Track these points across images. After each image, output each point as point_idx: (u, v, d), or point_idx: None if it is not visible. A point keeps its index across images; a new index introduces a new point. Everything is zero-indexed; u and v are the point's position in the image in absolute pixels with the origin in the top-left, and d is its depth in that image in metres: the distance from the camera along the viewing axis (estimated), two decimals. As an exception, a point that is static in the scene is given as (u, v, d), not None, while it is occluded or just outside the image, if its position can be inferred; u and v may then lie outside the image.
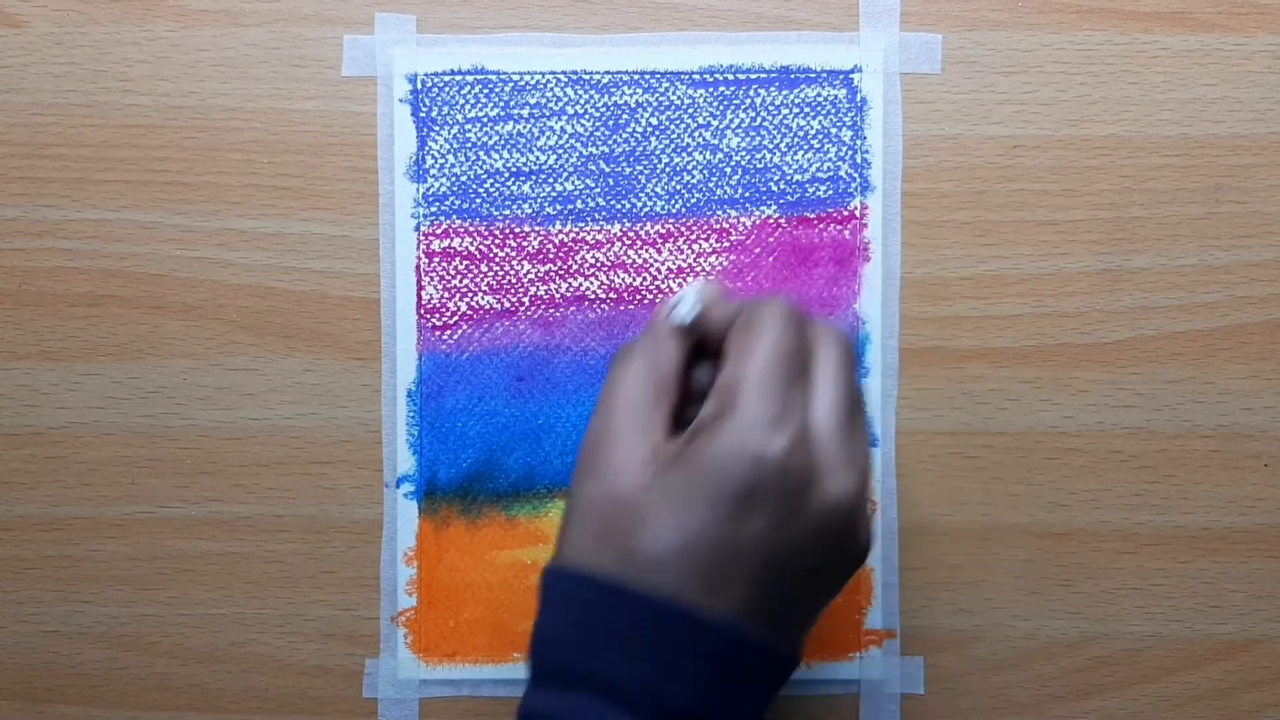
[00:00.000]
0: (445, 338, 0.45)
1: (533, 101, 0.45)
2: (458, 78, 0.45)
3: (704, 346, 0.38)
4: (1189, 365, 0.45)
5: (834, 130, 0.45)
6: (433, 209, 0.45)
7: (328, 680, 0.45)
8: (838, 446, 0.35)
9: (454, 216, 0.45)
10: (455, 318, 0.45)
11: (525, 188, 0.45)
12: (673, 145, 0.45)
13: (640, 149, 0.45)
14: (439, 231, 0.45)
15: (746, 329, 0.36)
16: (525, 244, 0.45)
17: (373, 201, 0.45)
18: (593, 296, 0.45)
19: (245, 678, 0.45)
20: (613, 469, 0.35)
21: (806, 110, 0.45)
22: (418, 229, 0.45)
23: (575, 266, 0.45)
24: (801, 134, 0.45)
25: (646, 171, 0.45)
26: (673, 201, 0.45)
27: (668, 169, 0.45)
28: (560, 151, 0.45)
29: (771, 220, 0.45)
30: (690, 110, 0.45)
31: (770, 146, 0.45)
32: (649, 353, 0.37)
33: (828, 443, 0.35)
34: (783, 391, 0.34)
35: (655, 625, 0.33)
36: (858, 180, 0.45)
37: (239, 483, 0.45)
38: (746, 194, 0.45)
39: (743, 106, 0.45)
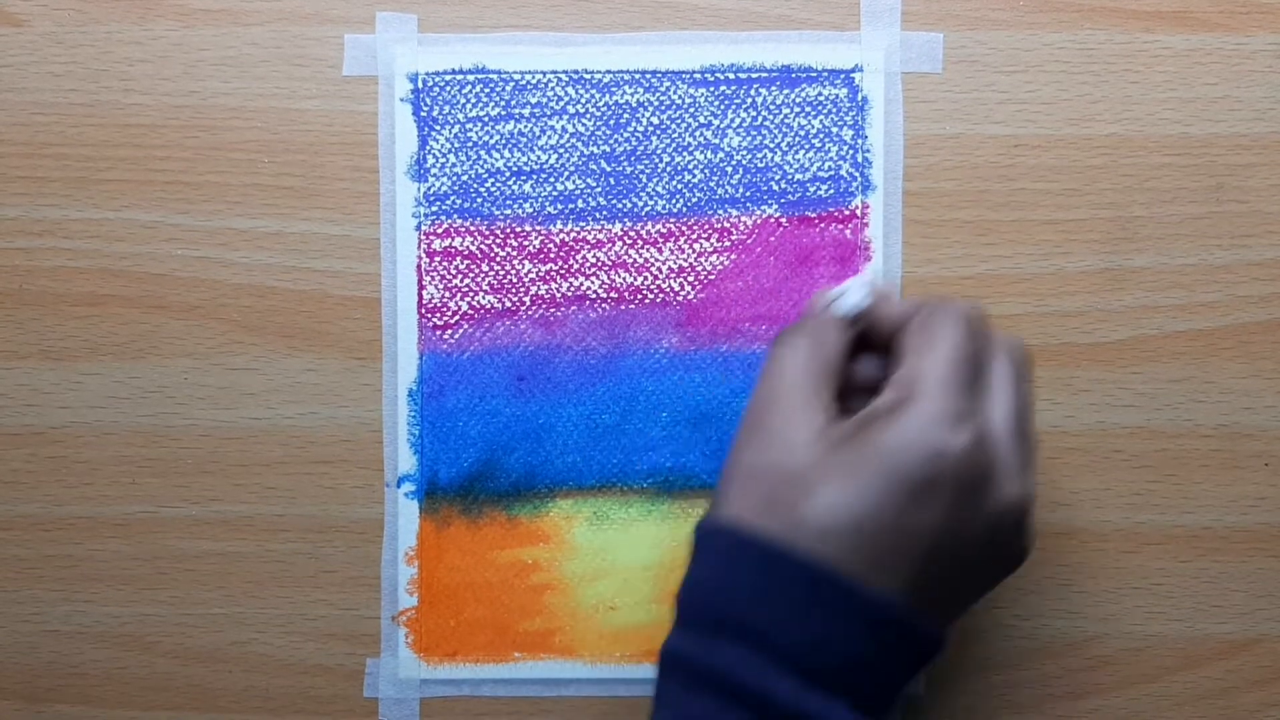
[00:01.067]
0: (446, 337, 0.45)
1: (534, 101, 0.45)
2: (459, 77, 0.45)
3: (864, 341, 0.39)
4: (1190, 364, 0.45)
5: (835, 129, 0.45)
6: (434, 208, 0.45)
7: (328, 680, 0.45)
8: (1014, 450, 0.36)
9: (455, 216, 0.45)
10: (456, 317, 0.45)
11: (526, 187, 0.45)
12: (674, 144, 0.45)
13: (641, 148, 0.45)
14: (440, 231, 0.45)
15: (926, 328, 0.37)
16: (526, 243, 0.45)
17: (374, 201, 0.45)
18: (594, 296, 0.45)
19: (245, 678, 0.45)
20: (780, 440, 0.36)
21: (807, 109, 0.45)
22: (419, 228, 0.45)
23: (576, 266, 0.45)
24: (802, 133, 0.45)
25: (647, 171, 0.45)
26: (674, 201, 0.45)
27: (669, 168, 0.45)
28: (561, 151, 0.45)
29: (773, 219, 0.45)
30: (691, 109, 0.45)
31: (771, 146, 0.45)
32: (813, 336, 0.38)
33: (1005, 446, 0.36)
34: (964, 391, 0.35)
35: (815, 589, 0.34)
36: (859, 179, 0.45)
37: (240, 482, 0.45)
38: (748, 193, 0.45)
39: (744, 106, 0.45)
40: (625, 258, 0.45)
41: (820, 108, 0.45)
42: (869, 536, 0.34)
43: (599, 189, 0.45)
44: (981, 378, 0.36)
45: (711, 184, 0.45)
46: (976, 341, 0.37)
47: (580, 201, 0.45)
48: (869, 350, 0.39)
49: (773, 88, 0.45)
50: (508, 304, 0.45)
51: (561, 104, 0.45)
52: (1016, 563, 0.37)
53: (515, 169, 0.45)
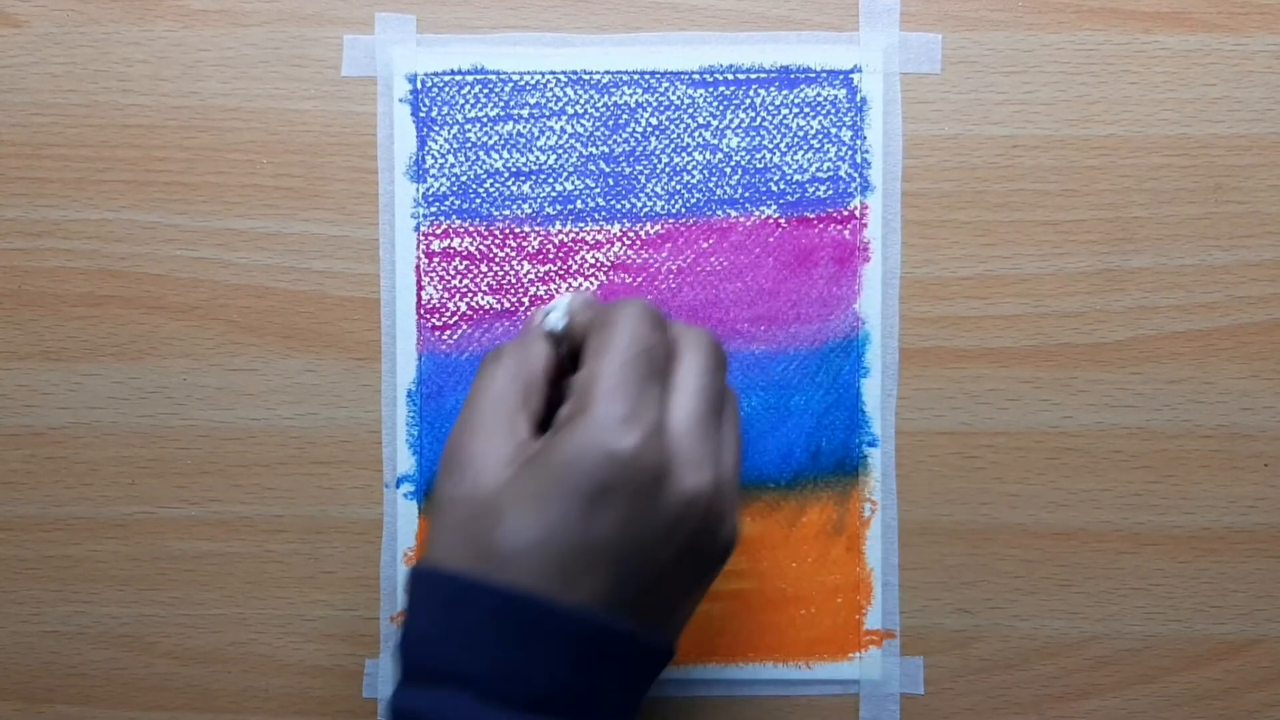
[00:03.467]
0: (445, 338, 0.45)
1: (533, 101, 0.45)
2: (458, 78, 0.45)
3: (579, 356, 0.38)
4: (1189, 365, 0.45)
5: (834, 130, 0.45)
6: (433, 209, 0.45)
7: (328, 680, 0.45)
8: (693, 443, 0.35)
9: (454, 216, 0.45)
10: (455, 318, 0.45)
11: (525, 188, 0.45)
12: (672, 145, 0.45)
13: (640, 149, 0.45)
14: (439, 231, 0.45)
15: (601, 329, 0.36)
16: (525, 244, 0.45)
17: (373, 201, 0.45)
18: (593, 296, 0.45)
19: (245, 678, 0.45)
20: (474, 468, 0.35)
21: (806, 110, 0.45)
22: (418, 229, 0.45)
23: (575, 266, 0.45)
24: (801, 134, 0.45)
25: (646, 171, 0.45)
26: (673, 201, 0.45)
27: (667, 169, 0.45)
28: (560, 151, 0.45)
29: (771, 220, 0.45)
30: (690, 110, 0.45)
31: (770, 146, 0.45)
32: (517, 354, 0.38)
33: (682, 440, 0.35)
34: (636, 389, 0.35)
35: (513, 617, 0.34)
36: (857, 180, 0.45)
37: (239, 483, 0.45)
38: (746, 194, 0.45)
39: (743, 106, 0.45)
40: (624, 258, 0.45)
41: (819, 108, 0.45)
42: (557, 552, 0.34)
43: (598, 190, 0.45)
44: (662, 373, 0.36)
45: (710, 184, 0.45)
46: (652, 336, 0.36)
47: (579, 202, 0.45)
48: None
49: (771, 88, 0.45)
50: (507, 304, 0.45)
51: (560, 104, 0.45)
52: (721, 557, 0.37)
53: (514, 170, 0.45)
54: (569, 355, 0.38)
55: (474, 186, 0.45)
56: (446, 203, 0.45)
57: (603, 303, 0.38)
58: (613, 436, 0.34)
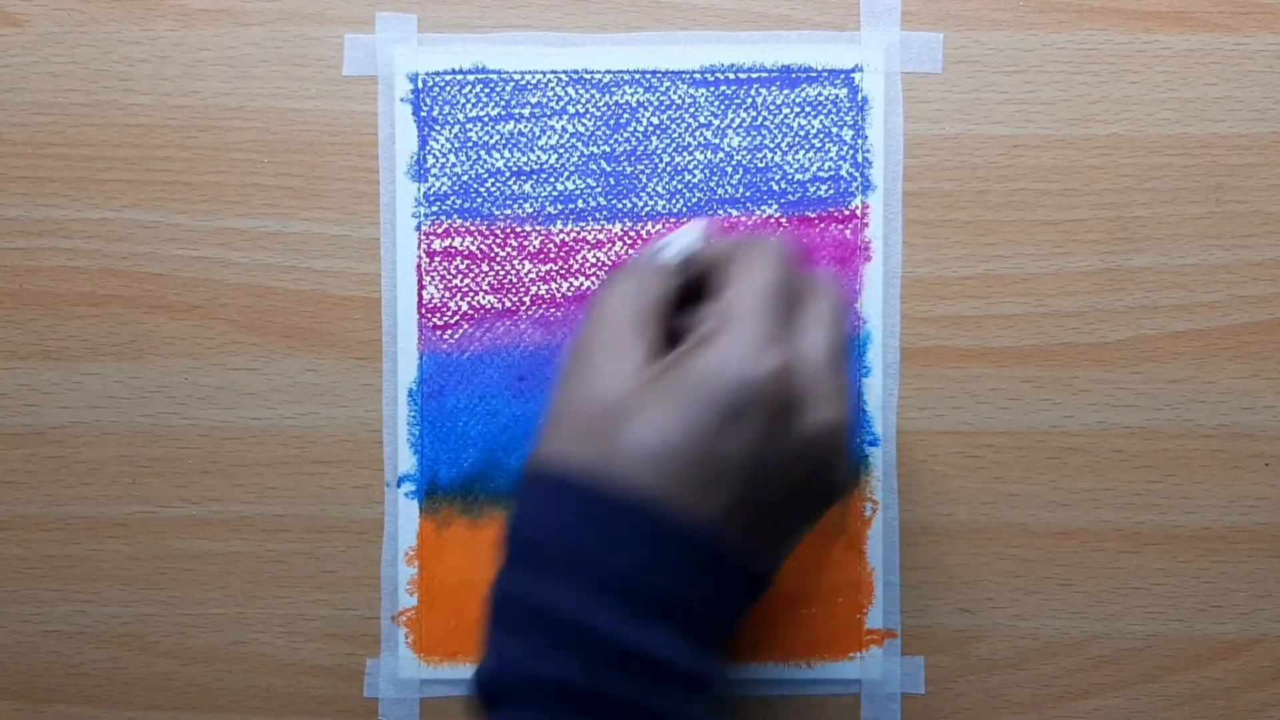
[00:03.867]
0: (446, 337, 0.45)
1: (534, 101, 0.45)
2: (459, 77, 0.45)
3: (696, 291, 0.38)
4: (1190, 365, 0.45)
5: (835, 130, 0.45)
6: (434, 208, 0.45)
7: (328, 680, 0.45)
8: (825, 379, 0.36)
9: (455, 216, 0.45)
10: (456, 317, 0.45)
11: (526, 187, 0.45)
12: (674, 145, 0.45)
13: (641, 148, 0.45)
14: (440, 231, 0.45)
15: (743, 260, 0.37)
16: (526, 243, 0.45)
17: (373, 201, 0.45)
18: (594, 296, 0.45)
19: (245, 678, 0.45)
20: (599, 375, 0.36)
21: (807, 110, 0.45)
22: (419, 228, 0.45)
23: (576, 266, 0.45)
24: (802, 133, 0.45)
25: (647, 171, 0.45)
26: (674, 201, 0.45)
27: (669, 168, 0.45)
28: (561, 151, 0.45)
29: (773, 220, 0.45)
30: (691, 110, 0.45)
31: (771, 146, 0.45)
32: (638, 278, 0.38)
33: (815, 374, 0.36)
34: (778, 317, 0.36)
35: (633, 519, 0.34)
36: (859, 180, 0.45)
37: (239, 483, 0.45)
38: (747, 193, 0.45)
39: (744, 106, 0.45)
40: (625, 258, 0.45)
41: (820, 108, 0.45)
42: (683, 463, 0.34)
43: (599, 189, 0.45)
44: (795, 310, 0.36)
45: (711, 184, 0.45)
46: (791, 275, 0.37)
47: (580, 201, 0.45)
48: (699, 300, 0.39)
49: (773, 88, 0.45)
50: (508, 304, 0.45)
51: (561, 104, 0.45)
52: (835, 495, 0.37)
53: (515, 169, 0.45)
54: (684, 290, 0.38)
55: (475, 186, 0.45)
56: (448, 202, 0.45)
57: (744, 238, 0.38)
58: (755, 356, 0.34)
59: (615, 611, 0.34)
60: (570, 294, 0.45)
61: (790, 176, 0.45)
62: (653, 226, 0.45)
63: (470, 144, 0.45)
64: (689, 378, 0.35)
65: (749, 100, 0.45)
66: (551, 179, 0.45)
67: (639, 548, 0.34)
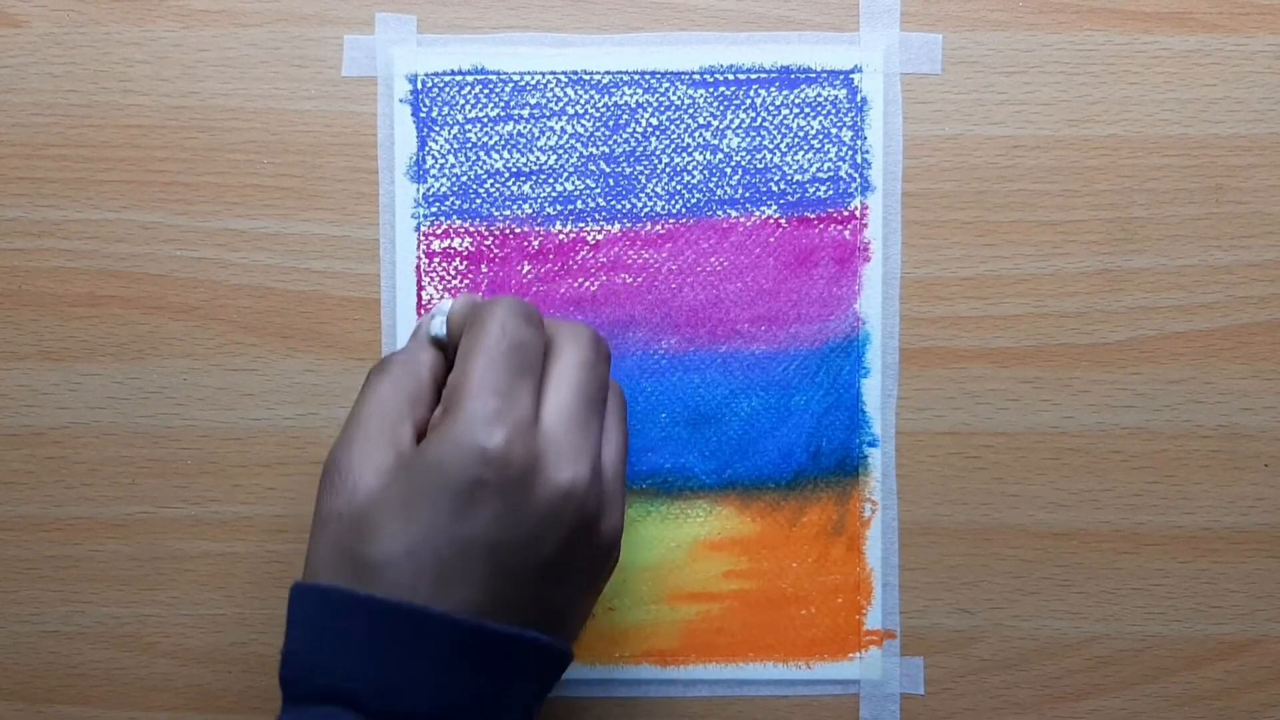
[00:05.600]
0: (445, 338, 0.45)
1: (533, 102, 0.45)
2: (458, 78, 0.45)
3: None
4: (1189, 365, 0.45)
5: (834, 130, 0.45)
6: (433, 209, 0.45)
7: (328, 680, 0.45)
8: (567, 437, 0.35)
9: (454, 217, 0.45)
10: (455, 318, 0.45)
11: (525, 188, 0.45)
12: (673, 145, 0.45)
13: (640, 149, 0.45)
14: (439, 232, 0.45)
15: (472, 326, 0.36)
16: (525, 244, 0.45)
17: (373, 202, 0.45)
18: (593, 297, 0.45)
19: (245, 678, 0.45)
20: (350, 480, 0.35)
21: (807, 110, 0.45)
22: (418, 229, 0.45)
23: (575, 267, 0.45)
24: (802, 134, 0.45)
25: (647, 172, 0.45)
26: (673, 202, 0.45)
27: (668, 169, 0.45)
28: (560, 152, 0.45)
29: (772, 220, 0.45)
30: (690, 110, 0.45)
31: (770, 146, 0.45)
32: (403, 363, 0.37)
33: (555, 434, 0.35)
34: (506, 385, 0.34)
35: (387, 627, 0.33)
36: (858, 180, 0.45)
37: (239, 483, 0.45)
38: (747, 194, 0.45)
39: (743, 106, 0.45)
40: (624, 258, 0.45)
41: (819, 108, 0.45)
42: (430, 557, 0.33)
43: (598, 190, 0.45)
44: (532, 369, 0.35)
45: (711, 185, 0.45)
46: (522, 333, 0.36)
47: (579, 202, 0.45)
48: None
49: (772, 88, 0.45)
50: (507, 305, 0.45)
51: (561, 105, 0.45)
52: (604, 551, 0.36)
53: (514, 170, 0.45)
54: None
55: (474, 187, 0.45)
56: (447, 203, 0.45)
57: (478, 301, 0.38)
58: (481, 433, 0.34)
59: None
60: (570, 295, 0.45)
61: (789, 177, 0.45)
62: (652, 226, 0.45)
63: (469, 145, 0.45)
64: (421, 468, 0.34)
65: (748, 101, 0.45)
66: (551, 180, 0.45)
67: (400, 656, 0.33)
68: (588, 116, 0.45)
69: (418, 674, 0.33)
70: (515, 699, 0.34)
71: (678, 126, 0.45)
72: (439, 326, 0.38)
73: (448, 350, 0.38)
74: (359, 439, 0.36)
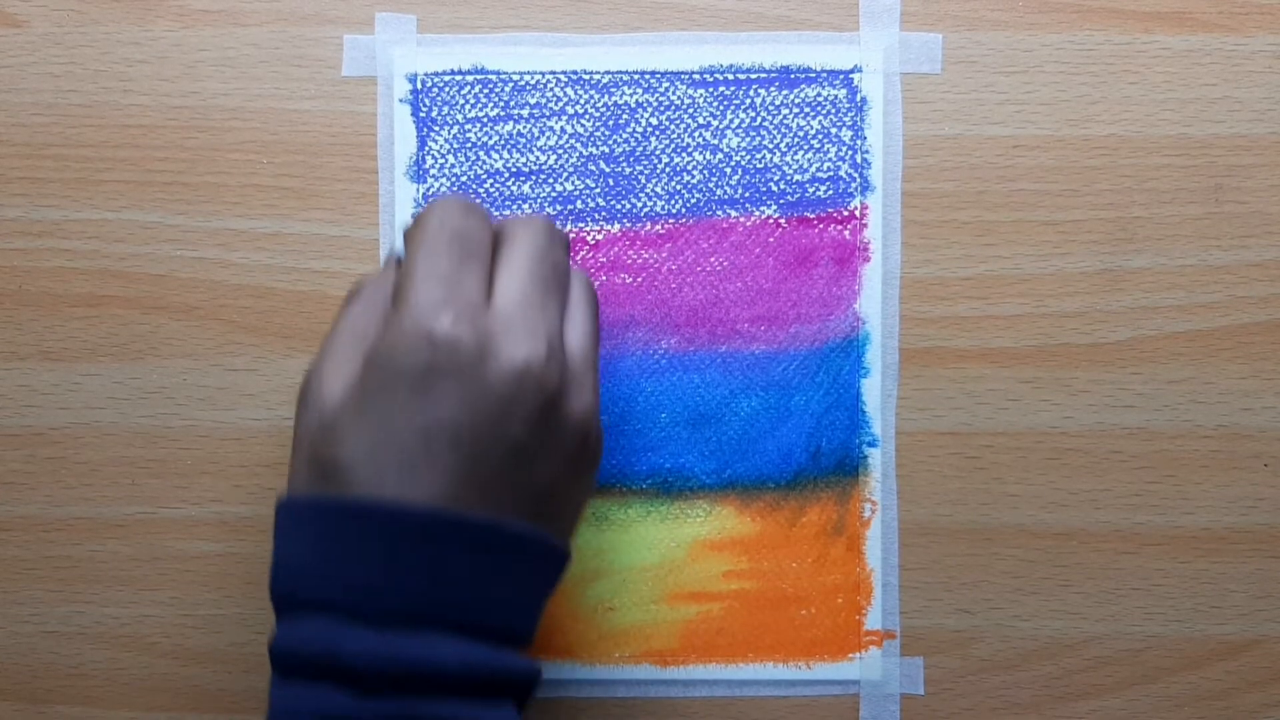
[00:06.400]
0: (445, 338, 0.45)
1: (533, 101, 0.45)
2: (458, 78, 0.45)
3: None
4: (1189, 365, 0.45)
5: (834, 130, 0.45)
6: (433, 209, 0.45)
7: (328, 680, 0.45)
8: (518, 317, 0.34)
9: (454, 216, 0.45)
10: (455, 318, 0.45)
11: (525, 188, 0.45)
12: (673, 145, 0.45)
13: (640, 149, 0.45)
14: (439, 231, 0.45)
15: (413, 227, 0.36)
16: (525, 244, 0.45)
17: (373, 201, 0.45)
18: (593, 296, 0.45)
19: (245, 678, 0.45)
20: (322, 394, 0.35)
21: (806, 110, 0.45)
22: (418, 229, 0.45)
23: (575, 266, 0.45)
24: (801, 134, 0.45)
25: (646, 171, 0.45)
26: (673, 201, 0.45)
27: (668, 169, 0.45)
28: (560, 152, 0.45)
29: (771, 220, 0.45)
30: (690, 110, 0.45)
31: (770, 146, 0.45)
32: (374, 286, 0.37)
33: (506, 314, 0.34)
34: (450, 272, 0.34)
35: (356, 529, 0.33)
36: (858, 180, 0.45)
37: (239, 483, 0.45)
38: (746, 194, 0.45)
39: (743, 106, 0.45)
40: (624, 258, 0.45)
41: (819, 108, 0.45)
42: (392, 450, 0.33)
43: (598, 190, 0.45)
44: (479, 256, 0.35)
45: (710, 185, 0.45)
46: (465, 223, 0.35)
47: (579, 202, 0.45)
48: None
49: (772, 88, 0.45)
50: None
51: (560, 105, 0.45)
52: (576, 431, 0.36)
53: (514, 170, 0.45)
54: None
55: (474, 187, 0.45)
56: (446, 203, 0.45)
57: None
58: (428, 318, 0.33)
59: (375, 632, 0.32)
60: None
61: (789, 177, 0.45)
62: (652, 226, 0.45)
63: (469, 145, 0.45)
64: (375, 367, 0.34)
65: (748, 101, 0.45)
66: (550, 180, 0.45)
67: (375, 555, 0.33)
68: (588, 116, 0.45)
69: (393, 571, 0.33)
70: (502, 593, 0.34)
71: (678, 126, 0.45)
72: (402, 248, 0.38)
73: None
74: (329, 357, 0.36)
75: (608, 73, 0.45)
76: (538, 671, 0.35)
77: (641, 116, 0.45)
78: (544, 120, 0.45)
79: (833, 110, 0.45)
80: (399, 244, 0.38)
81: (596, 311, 0.38)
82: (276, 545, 0.35)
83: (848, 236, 0.45)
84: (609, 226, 0.45)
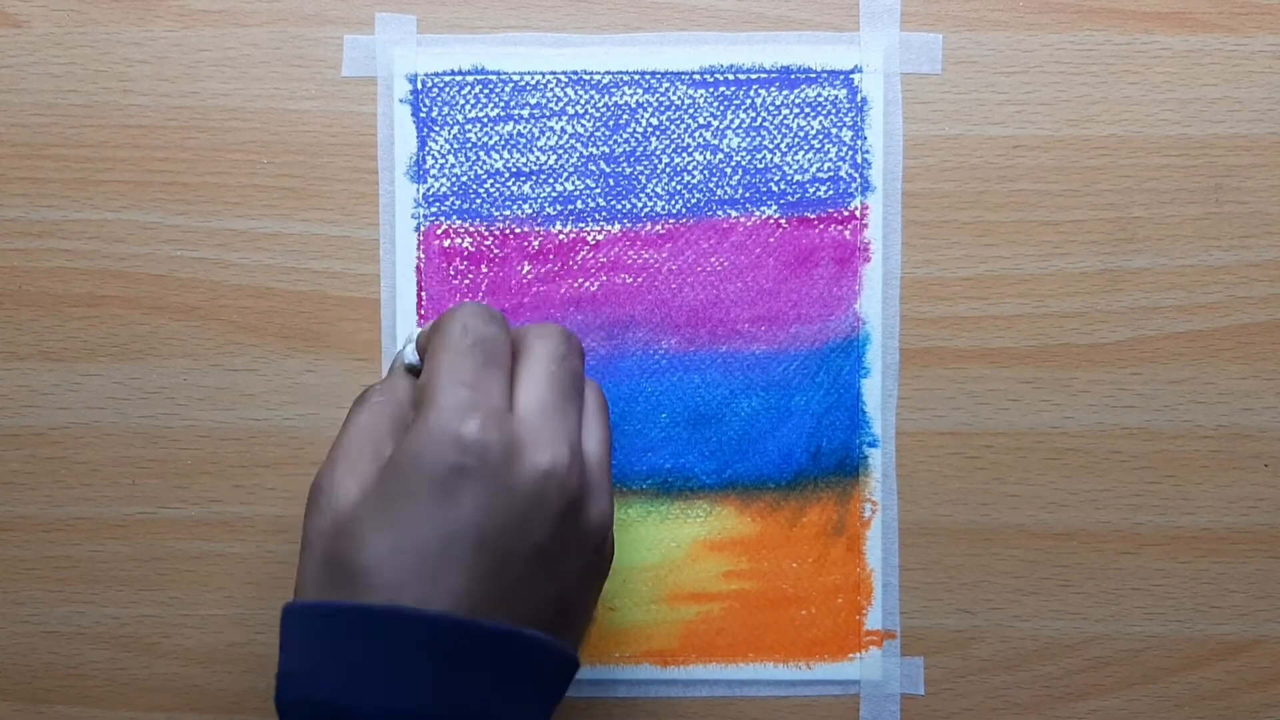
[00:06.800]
0: (445, 338, 0.45)
1: (533, 102, 0.45)
2: (458, 78, 0.45)
3: None
4: (1189, 365, 0.45)
5: (834, 130, 0.45)
6: (433, 209, 0.45)
7: (328, 680, 0.45)
8: (542, 423, 0.35)
9: (454, 217, 0.45)
10: (455, 318, 0.45)
11: (525, 188, 0.45)
12: (673, 145, 0.45)
13: (640, 149, 0.45)
14: (439, 232, 0.45)
15: (434, 334, 0.36)
16: (525, 244, 0.45)
17: (373, 202, 0.45)
18: (593, 297, 0.45)
19: (245, 678, 0.45)
20: (336, 497, 0.35)
21: (807, 110, 0.45)
22: (418, 229, 0.45)
23: (575, 267, 0.45)
24: (802, 134, 0.45)
25: (647, 172, 0.45)
26: (673, 202, 0.45)
27: (668, 169, 0.45)
28: (560, 152, 0.45)
29: (772, 220, 0.45)
30: (690, 110, 0.45)
31: (770, 147, 0.45)
32: (383, 392, 0.37)
33: (530, 421, 0.34)
34: (474, 377, 0.34)
35: (378, 634, 0.32)
36: (858, 180, 0.45)
37: (239, 483, 0.45)
38: (747, 194, 0.45)
39: (743, 106, 0.45)
40: (625, 258, 0.45)
41: (819, 108, 0.45)
42: (413, 555, 0.33)
43: (598, 190, 0.45)
44: (500, 363, 0.35)
45: (711, 185, 0.45)
46: (486, 330, 0.36)
47: (579, 202, 0.45)
48: None
49: (772, 88, 0.45)
50: (507, 305, 0.45)
51: (561, 105, 0.45)
52: (594, 539, 0.36)
53: (514, 170, 0.45)
54: None
55: (474, 187, 0.45)
56: (447, 203, 0.45)
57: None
58: (455, 422, 0.33)
59: None
60: (570, 295, 0.45)
61: (789, 177, 0.45)
62: (652, 226, 0.45)
63: (469, 145, 0.45)
64: (399, 469, 0.34)
65: (748, 101, 0.45)
66: (551, 180, 0.45)
67: (390, 663, 0.32)
68: (588, 116, 0.45)
69: (410, 679, 0.32)
70: (516, 704, 0.34)
71: (678, 126, 0.45)
72: (412, 354, 0.38)
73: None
74: (341, 461, 0.36)
75: (608, 73, 0.45)
76: None
77: (642, 116, 0.45)
78: (544, 120, 0.45)
79: (833, 110, 0.45)
80: (408, 353, 0.39)
81: (609, 419, 0.38)
82: (285, 650, 0.34)
83: (848, 236, 0.45)
84: (609, 226, 0.45)
